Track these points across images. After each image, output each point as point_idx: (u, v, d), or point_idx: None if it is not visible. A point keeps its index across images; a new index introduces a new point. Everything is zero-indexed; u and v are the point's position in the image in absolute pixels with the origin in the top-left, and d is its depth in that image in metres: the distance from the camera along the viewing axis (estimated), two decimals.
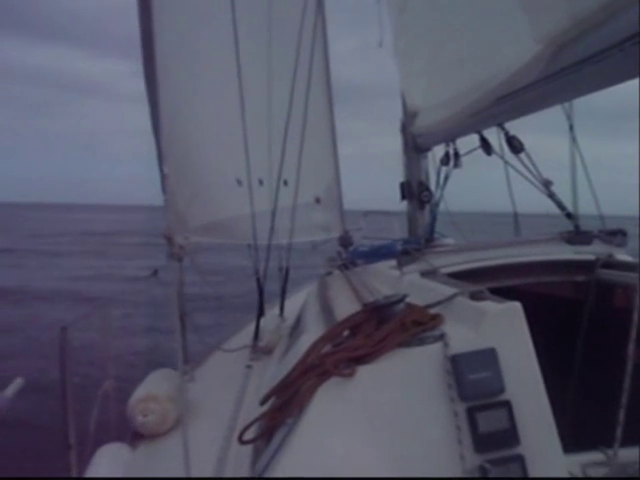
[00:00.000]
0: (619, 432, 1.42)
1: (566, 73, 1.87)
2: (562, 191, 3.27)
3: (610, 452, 1.58)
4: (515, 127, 3.10)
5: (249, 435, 1.58)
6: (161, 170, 3.22)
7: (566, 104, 3.51)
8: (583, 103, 2.57)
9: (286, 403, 1.50)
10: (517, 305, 1.48)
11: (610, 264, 2.67)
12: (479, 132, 3.31)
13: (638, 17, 1.40)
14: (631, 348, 1.49)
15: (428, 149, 4.18)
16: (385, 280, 2.61)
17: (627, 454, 1.63)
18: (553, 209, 3.25)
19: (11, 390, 2.34)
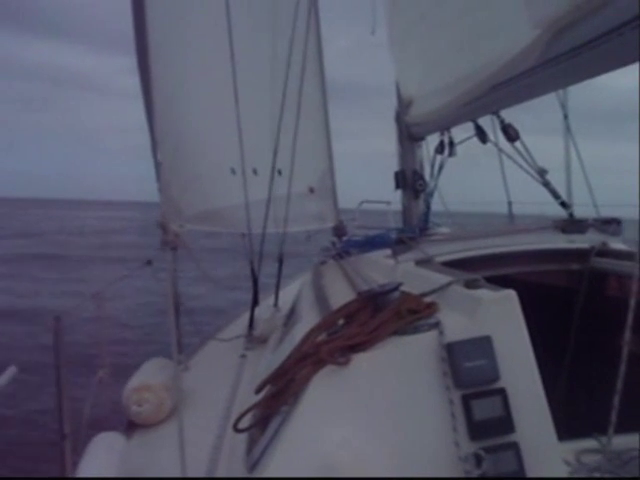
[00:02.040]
0: (614, 417, 1.42)
1: (564, 59, 1.86)
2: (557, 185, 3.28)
3: (604, 439, 1.58)
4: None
5: (244, 423, 1.58)
6: (155, 158, 3.20)
7: (560, 92, 3.50)
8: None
9: (281, 391, 1.49)
10: (512, 293, 1.48)
11: (604, 252, 2.67)
12: (474, 120, 3.30)
13: (637, 0, 1.39)
14: (627, 334, 1.49)
15: (422, 138, 4.17)
16: (380, 269, 2.61)
17: (621, 441, 1.64)
18: (547, 211, 3.25)
19: (4, 378, 2.32)
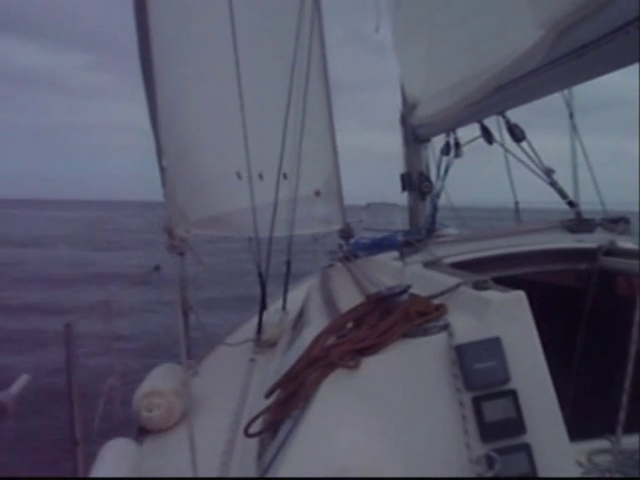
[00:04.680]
0: (622, 417, 1.41)
1: (569, 58, 1.85)
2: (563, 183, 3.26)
3: (615, 439, 1.57)
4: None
5: (255, 428, 1.58)
6: (160, 164, 3.21)
7: (566, 92, 3.49)
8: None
9: (291, 395, 1.49)
10: (521, 294, 1.47)
11: (613, 252, 2.65)
12: (480, 121, 3.30)
13: None
14: (635, 333, 1.48)
15: (428, 140, 4.17)
16: (387, 271, 2.61)
17: (633, 441, 1.63)
18: (553, 205, 3.24)
19: (17, 387, 2.33)
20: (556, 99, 3.51)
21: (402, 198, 4.42)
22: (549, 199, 3.27)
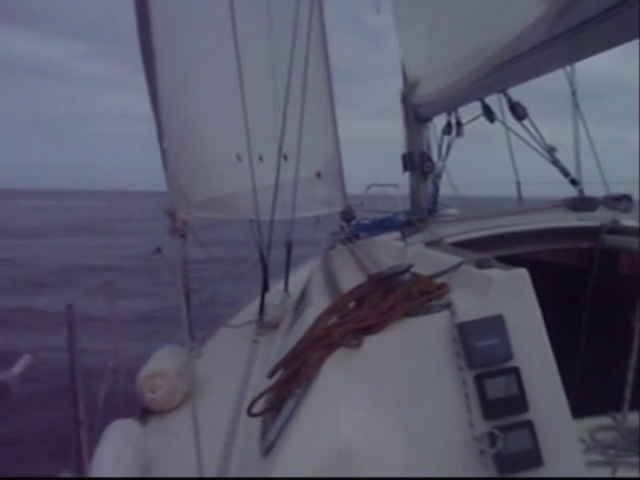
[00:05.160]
0: (628, 394, 1.41)
1: (571, 34, 1.83)
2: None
3: (619, 416, 1.58)
4: None
5: (258, 408, 1.58)
6: (161, 146, 3.20)
7: (568, 69, 3.46)
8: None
9: (294, 375, 1.50)
10: (523, 271, 1.47)
11: (615, 230, 2.64)
12: (481, 99, 3.27)
13: None
14: (639, 310, 1.48)
15: (429, 119, 4.13)
16: (389, 251, 2.60)
17: (636, 418, 1.63)
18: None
19: (19, 367, 2.34)
20: (558, 79, 3.49)
21: (404, 179, 4.41)
22: (552, 190, 3.25)
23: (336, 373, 1.41)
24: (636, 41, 1.64)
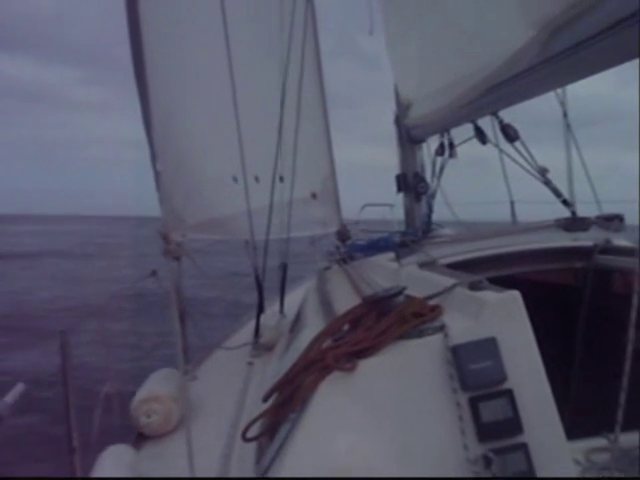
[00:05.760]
0: (620, 415, 1.41)
1: (561, 57, 1.86)
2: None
3: (613, 437, 1.58)
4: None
5: (252, 432, 1.58)
6: (154, 167, 3.21)
7: (559, 91, 3.50)
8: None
9: (288, 399, 1.49)
10: (516, 294, 1.48)
11: (608, 250, 2.66)
12: (473, 121, 3.31)
13: None
14: (631, 332, 1.49)
15: (423, 140, 4.17)
16: (384, 273, 2.61)
17: (630, 439, 1.63)
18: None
19: (12, 396, 2.31)
20: (552, 105, 3.53)
21: (398, 199, 4.43)
22: (547, 211, 3.26)
23: (330, 397, 1.41)
24: (623, 66, 1.67)
